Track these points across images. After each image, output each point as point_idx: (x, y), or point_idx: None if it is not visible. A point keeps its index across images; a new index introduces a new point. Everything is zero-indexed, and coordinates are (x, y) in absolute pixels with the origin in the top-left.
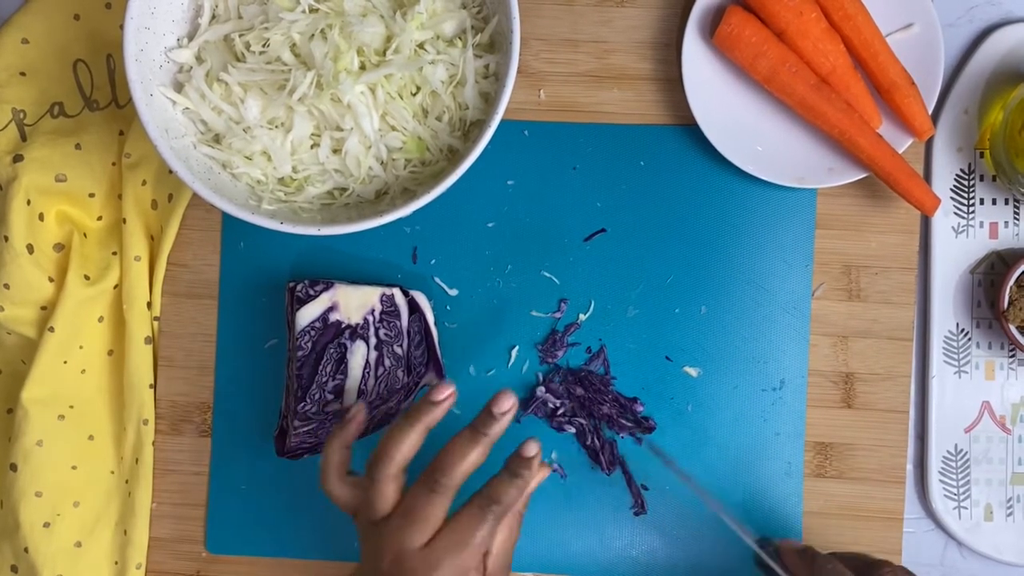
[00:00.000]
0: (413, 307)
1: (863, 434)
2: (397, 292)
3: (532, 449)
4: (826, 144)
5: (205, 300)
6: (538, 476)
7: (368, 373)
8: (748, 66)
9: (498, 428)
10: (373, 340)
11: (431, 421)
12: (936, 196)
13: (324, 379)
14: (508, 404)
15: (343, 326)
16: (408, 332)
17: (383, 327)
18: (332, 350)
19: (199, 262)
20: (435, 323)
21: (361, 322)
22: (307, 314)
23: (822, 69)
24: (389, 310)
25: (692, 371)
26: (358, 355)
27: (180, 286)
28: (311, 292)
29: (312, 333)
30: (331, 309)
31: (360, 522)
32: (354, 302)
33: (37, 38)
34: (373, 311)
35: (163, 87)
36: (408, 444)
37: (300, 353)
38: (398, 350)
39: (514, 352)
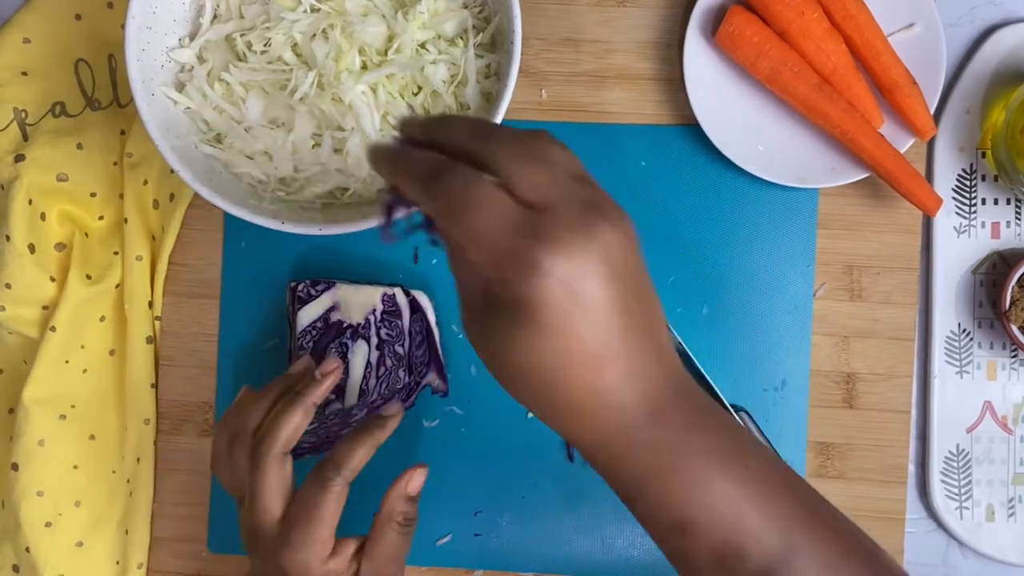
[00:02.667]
0: (415, 307)
1: (865, 434)
2: (399, 292)
3: (393, 408)
4: (828, 144)
5: (206, 299)
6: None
7: (369, 373)
8: (750, 66)
9: (319, 391)
10: (375, 340)
11: (315, 399)
12: (938, 196)
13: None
14: (332, 366)
15: (344, 326)
16: (410, 332)
17: (384, 327)
18: (333, 350)
19: (200, 261)
20: (437, 323)
21: (363, 322)
22: (308, 314)
23: (824, 69)
24: (391, 310)
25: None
26: (359, 355)
27: (181, 285)
28: (312, 292)
29: (313, 333)
30: (332, 309)
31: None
32: (355, 302)
33: (39, 38)
34: (375, 311)
35: (165, 87)
36: (291, 424)
37: (301, 353)
38: (399, 350)
39: None
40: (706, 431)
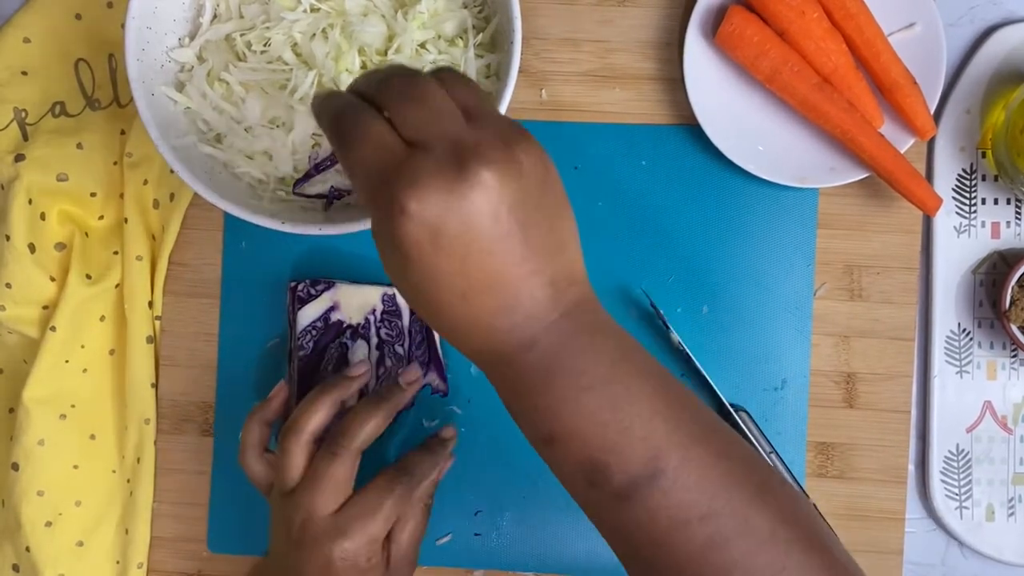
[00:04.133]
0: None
1: (865, 434)
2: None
3: (449, 432)
4: (828, 144)
5: (207, 299)
6: (447, 461)
7: (369, 372)
8: (750, 66)
9: (402, 397)
10: (374, 339)
11: (343, 394)
12: (938, 196)
13: (325, 378)
14: (414, 376)
15: (344, 325)
16: (409, 332)
17: (384, 327)
18: (333, 349)
19: (201, 262)
20: None
21: (362, 321)
22: (308, 314)
23: (824, 69)
24: (390, 310)
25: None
26: (359, 354)
27: (182, 285)
28: (312, 292)
29: (313, 332)
30: (332, 309)
31: (272, 497)
32: (355, 302)
33: (39, 37)
34: (374, 311)
35: (164, 86)
36: (319, 415)
37: (301, 353)
38: (399, 350)
39: None
40: (584, 353)
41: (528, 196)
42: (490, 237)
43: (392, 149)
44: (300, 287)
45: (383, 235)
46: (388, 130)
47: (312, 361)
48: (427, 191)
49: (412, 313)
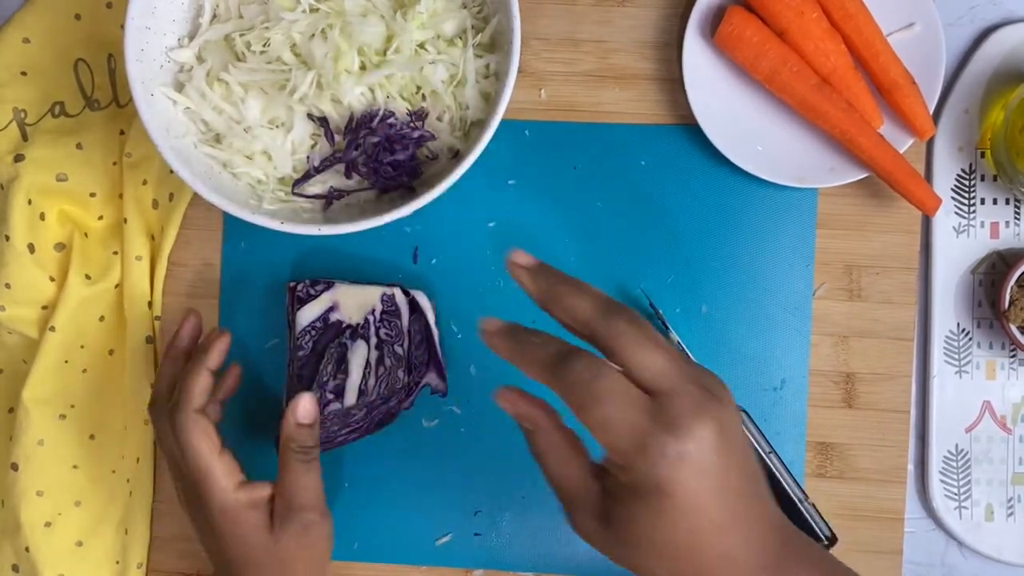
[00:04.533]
0: (414, 307)
1: (864, 434)
2: (398, 292)
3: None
4: (827, 144)
5: (206, 300)
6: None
7: (368, 373)
8: (749, 66)
9: (215, 353)
10: (374, 340)
11: (212, 361)
12: (937, 196)
13: (325, 379)
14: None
15: (344, 326)
16: (409, 332)
17: (384, 327)
18: (333, 350)
19: (200, 262)
20: (436, 323)
21: (362, 322)
22: (308, 314)
23: (823, 69)
24: (390, 310)
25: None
26: (358, 355)
27: (181, 286)
28: (312, 292)
29: (313, 333)
30: (331, 309)
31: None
32: (354, 302)
33: (38, 37)
34: (374, 311)
35: (164, 87)
36: (198, 383)
37: (301, 353)
38: (399, 350)
39: None
40: (809, 570)
41: (741, 427)
42: (738, 467)
43: (638, 402)
44: (299, 287)
45: (632, 493)
46: (627, 382)
47: (311, 361)
48: (691, 434)
49: (411, 313)
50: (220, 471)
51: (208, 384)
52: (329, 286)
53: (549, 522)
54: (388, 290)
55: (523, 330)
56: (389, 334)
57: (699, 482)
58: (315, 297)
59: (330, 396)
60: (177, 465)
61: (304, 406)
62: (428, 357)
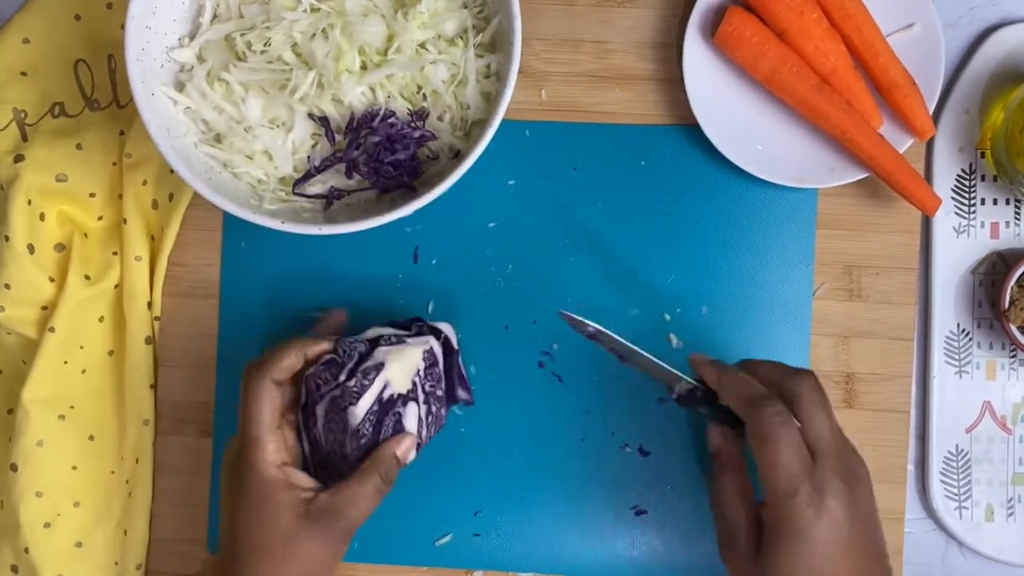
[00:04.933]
0: (447, 347)
1: (864, 434)
2: (434, 343)
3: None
4: (827, 144)
5: (206, 300)
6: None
7: (422, 427)
8: (749, 66)
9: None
10: (421, 397)
11: (307, 348)
12: (937, 196)
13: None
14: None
15: (396, 397)
16: (446, 371)
17: (428, 380)
18: (388, 423)
19: (200, 262)
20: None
21: (410, 386)
22: (364, 405)
23: (823, 69)
24: (430, 363)
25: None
26: (412, 417)
27: (181, 286)
28: (365, 383)
29: (372, 418)
30: (384, 388)
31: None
32: (401, 370)
33: (38, 38)
34: (419, 371)
35: (164, 86)
36: (283, 355)
37: (363, 440)
38: (439, 393)
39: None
40: None
41: (874, 501)
42: (865, 531)
43: (803, 456)
44: (348, 382)
45: (780, 529)
46: (800, 437)
47: (372, 442)
48: (836, 494)
49: (445, 356)
50: (271, 444)
51: (295, 365)
52: (378, 368)
53: (549, 523)
54: (426, 344)
55: (728, 367)
56: (433, 385)
57: (832, 535)
58: (369, 387)
59: None
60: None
61: (407, 447)
62: (456, 379)
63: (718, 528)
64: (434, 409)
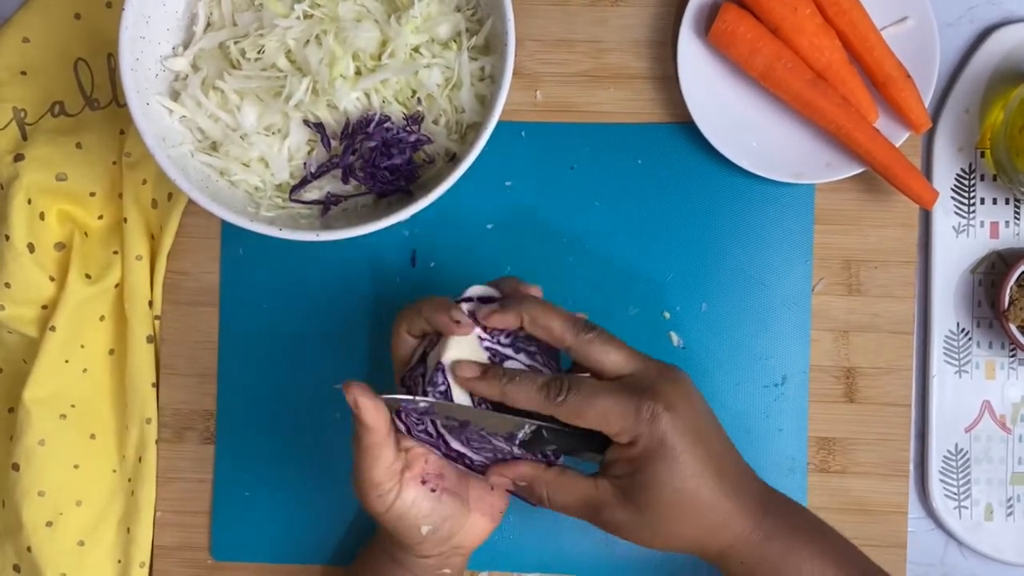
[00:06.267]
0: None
1: (866, 428)
2: (466, 306)
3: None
4: (823, 139)
5: (206, 307)
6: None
7: (544, 370)
8: (744, 63)
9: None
10: (509, 351)
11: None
12: (934, 189)
13: None
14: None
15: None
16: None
17: (498, 335)
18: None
19: (199, 269)
20: None
21: (488, 351)
22: (464, 402)
23: (818, 64)
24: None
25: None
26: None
27: (180, 294)
28: (441, 389)
29: (485, 404)
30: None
31: None
32: (466, 351)
33: (38, 37)
34: (479, 337)
35: (159, 96)
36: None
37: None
38: (522, 336)
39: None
40: (798, 530)
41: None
42: (713, 421)
43: (615, 389)
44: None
45: (643, 463)
46: (600, 381)
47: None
48: (668, 394)
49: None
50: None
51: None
52: (429, 372)
53: (554, 522)
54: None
55: (499, 370)
56: (509, 335)
57: (690, 430)
58: (449, 388)
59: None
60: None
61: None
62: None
63: (581, 516)
64: (532, 349)
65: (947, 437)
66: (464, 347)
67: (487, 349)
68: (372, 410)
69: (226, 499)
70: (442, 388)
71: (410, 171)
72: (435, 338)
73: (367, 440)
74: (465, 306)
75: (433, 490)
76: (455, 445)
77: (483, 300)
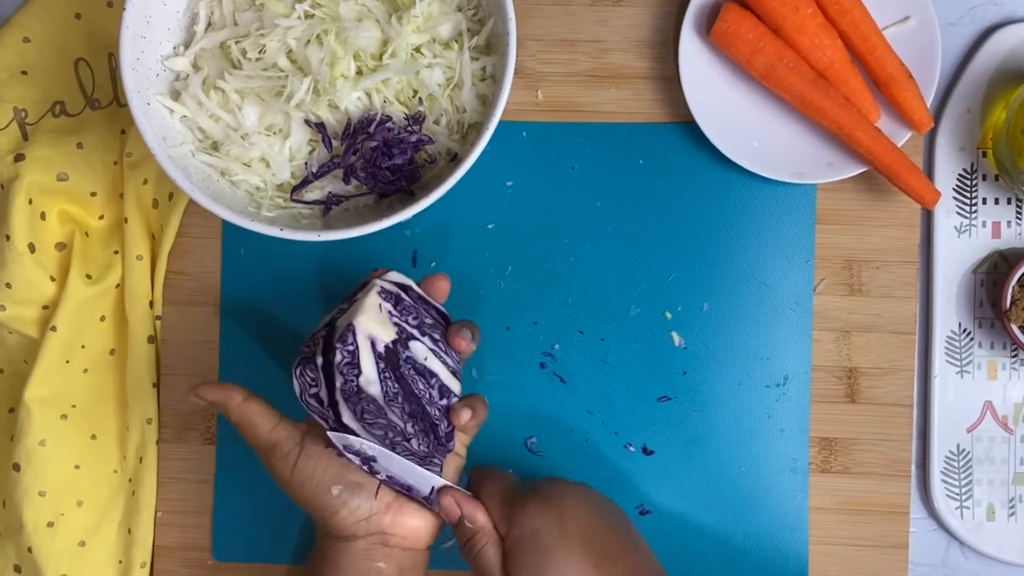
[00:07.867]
0: (399, 284)
1: (868, 428)
2: (379, 282)
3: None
4: (825, 139)
5: (206, 308)
6: None
7: (441, 357)
8: (745, 62)
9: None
10: (416, 332)
11: None
12: (936, 189)
13: (426, 394)
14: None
15: (392, 344)
16: (415, 301)
17: (407, 315)
18: (407, 371)
19: (199, 270)
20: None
21: (396, 329)
22: (368, 368)
23: (819, 64)
24: (395, 299)
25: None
26: (423, 353)
27: (181, 294)
28: (348, 349)
29: (389, 377)
30: (373, 344)
31: None
32: (374, 321)
33: (38, 37)
34: (389, 312)
35: (160, 96)
36: None
37: (400, 398)
38: (428, 320)
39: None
40: None
41: (595, 509)
42: (591, 531)
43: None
44: (338, 358)
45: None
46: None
47: (406, 394)
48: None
49: (405, 291)
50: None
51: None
52: (344, 339)
53: None
54: (375, 287)
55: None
56: (416, 317)
57: (558, 538)
58: (357, 351)
59: (443, 402)
60: None
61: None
62: (430, 304)
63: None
64: (436, 336)
65: (949, 437)
66: (375, 316)
67: (395, 325)
68: (208, 393)
69: (227, 500)
70: (351, 347)
71: (411, 171)
72: (344, 306)
73: (229, 415)
74: (388, 282)
75: (339, 454)
76: (346, 418)
77: (400, 286)
